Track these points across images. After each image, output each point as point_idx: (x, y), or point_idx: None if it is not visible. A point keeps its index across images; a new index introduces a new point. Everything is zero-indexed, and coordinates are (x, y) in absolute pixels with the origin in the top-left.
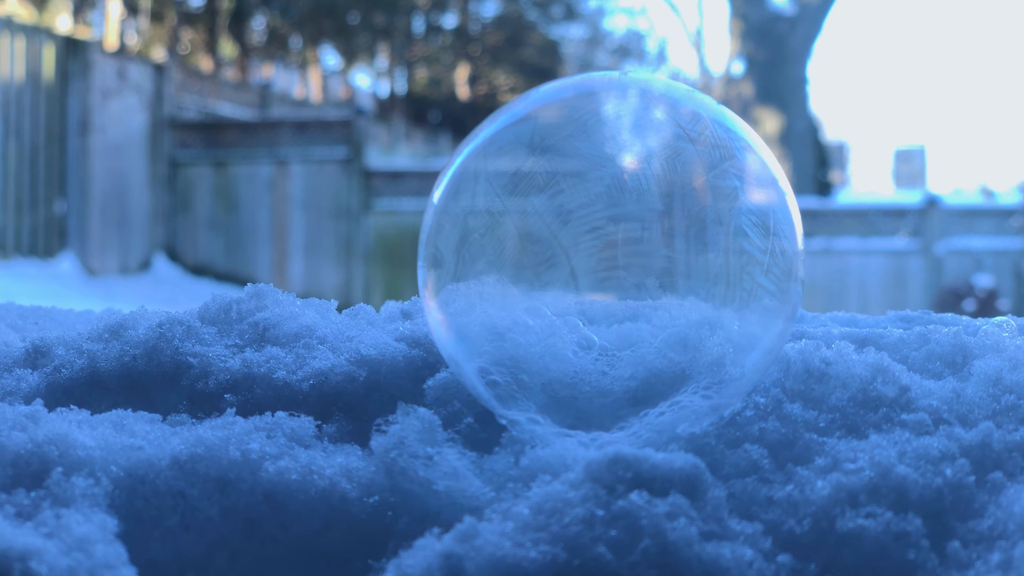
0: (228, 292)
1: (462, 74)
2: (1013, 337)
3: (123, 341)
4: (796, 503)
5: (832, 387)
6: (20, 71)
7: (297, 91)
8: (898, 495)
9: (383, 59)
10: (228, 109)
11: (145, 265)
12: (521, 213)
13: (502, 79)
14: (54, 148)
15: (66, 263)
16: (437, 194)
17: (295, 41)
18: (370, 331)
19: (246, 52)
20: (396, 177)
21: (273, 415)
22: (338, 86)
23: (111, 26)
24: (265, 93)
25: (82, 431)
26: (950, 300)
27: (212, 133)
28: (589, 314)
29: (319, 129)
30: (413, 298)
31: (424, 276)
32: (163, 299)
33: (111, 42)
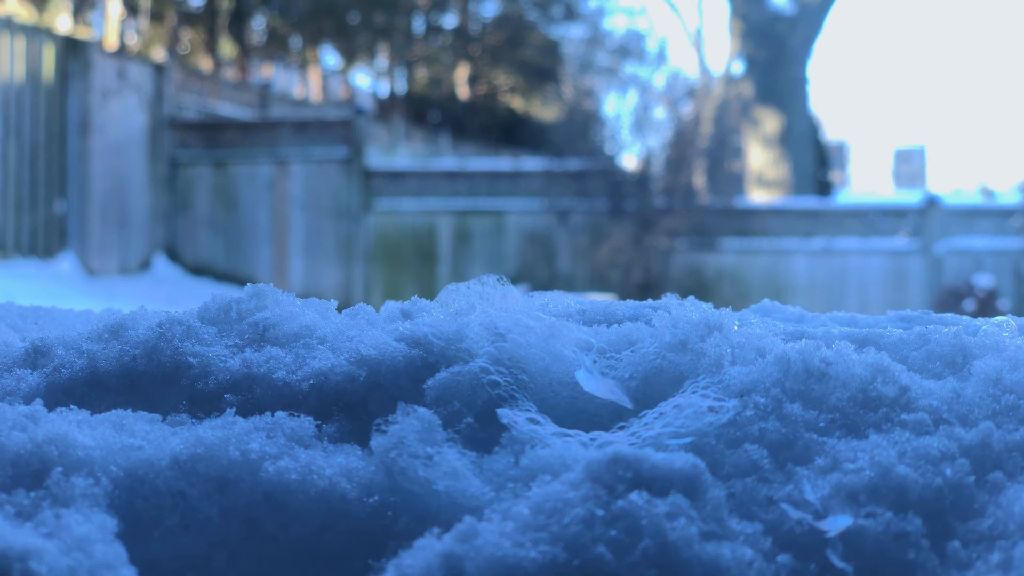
0: (228, 292)
1: (462, 74)
2: (1013, 337)
3: (123, 341)
4: (796, 503)
5: (832, 387)
6: (20, 71)
7: (297, 91)
8: (898, 495)
9: (383, 59)
10: (228, 109)
11: (145, 265)
12: None
13: (502, 79)
14: (54, 148)
15: (66, 263)
16: None
17: (295, 41)
18: (370, 331)
19: (246, 52)
20: (396, 177)
21: (273, 415)
22: (338, 86)
23: (111, 26)
24: (265, 93)
25: (82, 431)
26: (950, 300)
27: (212, 133)
28: (589, 314)
29: (319, 129)
30: (413, 298)
31: None
32: (163, 299)
33: (111, 42)
